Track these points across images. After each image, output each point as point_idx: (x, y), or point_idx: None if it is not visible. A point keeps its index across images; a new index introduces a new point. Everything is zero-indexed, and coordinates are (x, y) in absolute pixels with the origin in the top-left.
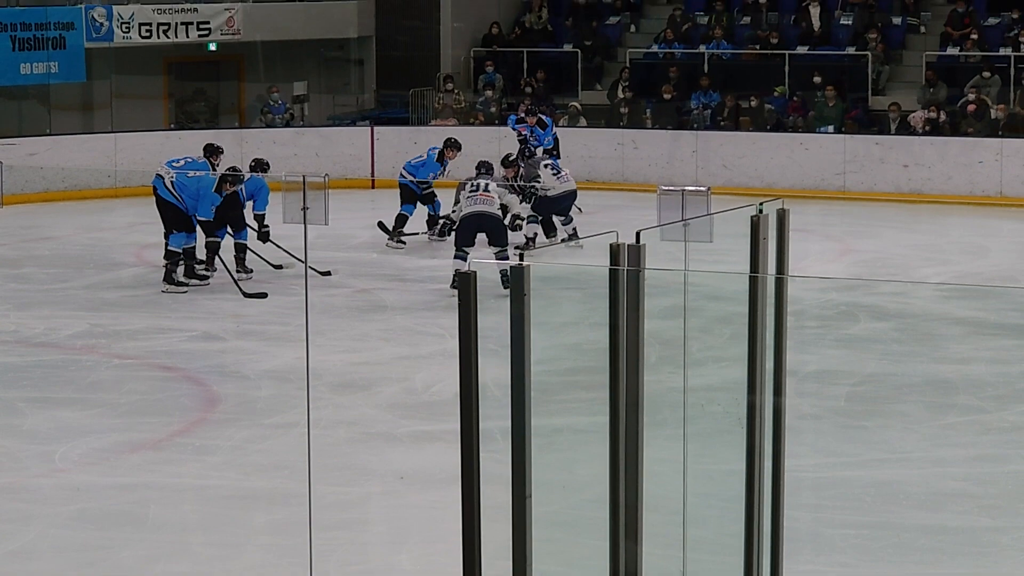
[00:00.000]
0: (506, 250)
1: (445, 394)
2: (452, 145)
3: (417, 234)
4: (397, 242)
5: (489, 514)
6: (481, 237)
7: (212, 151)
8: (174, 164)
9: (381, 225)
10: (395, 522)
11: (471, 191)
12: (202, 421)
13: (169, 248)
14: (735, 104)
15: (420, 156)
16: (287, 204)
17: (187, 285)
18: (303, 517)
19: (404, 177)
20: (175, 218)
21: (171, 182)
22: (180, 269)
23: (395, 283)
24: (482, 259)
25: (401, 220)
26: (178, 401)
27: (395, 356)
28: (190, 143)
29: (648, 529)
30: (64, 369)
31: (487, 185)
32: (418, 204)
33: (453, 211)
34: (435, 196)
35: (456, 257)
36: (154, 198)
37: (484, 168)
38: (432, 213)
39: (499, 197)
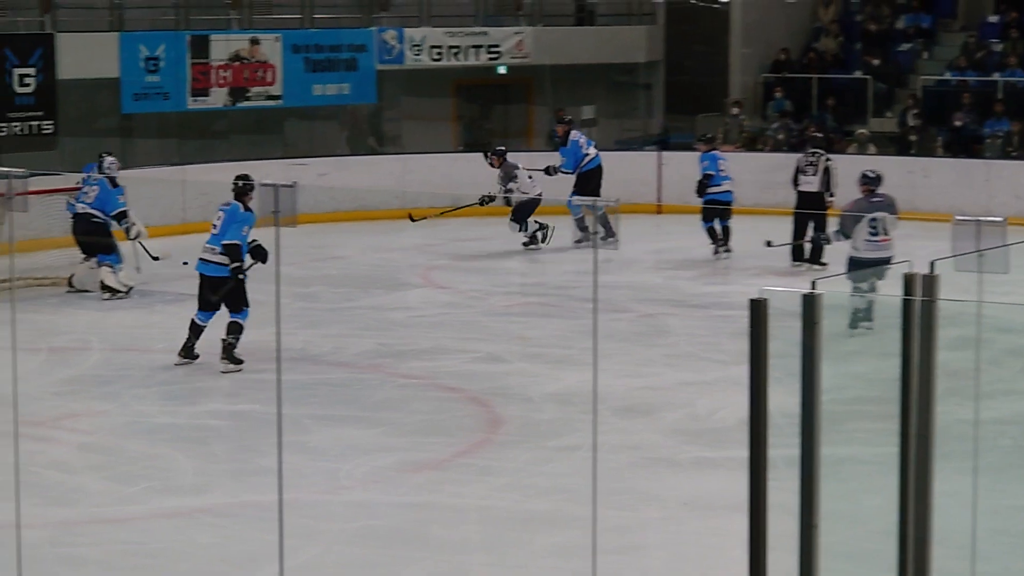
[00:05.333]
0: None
1: (729, 421)
2: None
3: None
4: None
5: (773, 543)
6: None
7: (247, 190)
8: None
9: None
10: (676, 548)
11: (871, 232)
12: (485, 442)
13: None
14: None
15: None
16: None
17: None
18: (584, 541)
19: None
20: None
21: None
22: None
23: (679, 308)
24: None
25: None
26: (462, 422)
27: (678, 381)
28: (477, 166)
29: (934, 563)
30: (350, 388)
31: (885, 228)
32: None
33: None
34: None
35: None
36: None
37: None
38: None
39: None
